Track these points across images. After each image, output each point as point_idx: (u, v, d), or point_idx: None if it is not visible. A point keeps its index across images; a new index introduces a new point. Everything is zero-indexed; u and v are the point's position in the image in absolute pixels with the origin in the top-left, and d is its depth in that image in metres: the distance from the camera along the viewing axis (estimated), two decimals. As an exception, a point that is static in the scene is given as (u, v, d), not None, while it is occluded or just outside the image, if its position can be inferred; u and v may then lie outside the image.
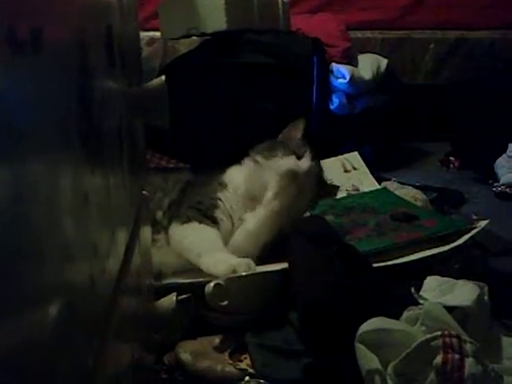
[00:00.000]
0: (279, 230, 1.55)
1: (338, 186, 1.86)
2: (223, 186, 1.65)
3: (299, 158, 1.63)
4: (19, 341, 0.35)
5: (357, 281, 1.29)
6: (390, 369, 1.05)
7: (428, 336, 1.05)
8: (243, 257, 1.48)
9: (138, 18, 1.14)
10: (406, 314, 1.19)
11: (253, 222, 1.56)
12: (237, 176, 1.68)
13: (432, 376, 1.02)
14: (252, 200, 1.61)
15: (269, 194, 1.56)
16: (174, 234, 1.54)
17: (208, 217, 1.56)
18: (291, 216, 1.58)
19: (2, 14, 0.34)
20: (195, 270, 1.45)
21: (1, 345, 0.32)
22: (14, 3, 0.36)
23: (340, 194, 2.12)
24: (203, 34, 2.46)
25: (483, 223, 1.62)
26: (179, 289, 1.26)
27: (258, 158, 1.65)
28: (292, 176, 1.56)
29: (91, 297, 0.54)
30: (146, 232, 1.05)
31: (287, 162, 1.60)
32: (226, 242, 1.54)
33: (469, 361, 1.02)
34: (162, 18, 2.56)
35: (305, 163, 1.62)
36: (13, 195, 0.34)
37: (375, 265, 1.40)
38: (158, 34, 2.70)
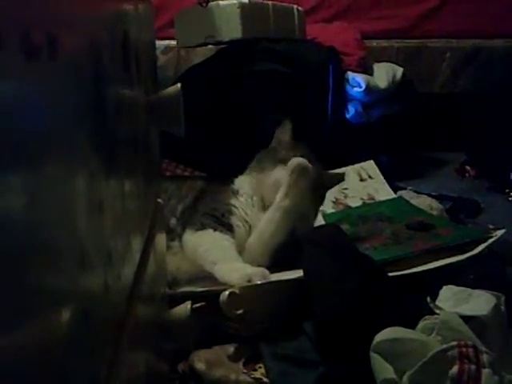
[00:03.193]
0: (292, 231, 1.56)
1: (343, 173, 1.87)
2: (235, 193, 1.67)
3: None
4: (32, 347, 0.35)
5: (372, 290, 1.29)
6: (405, 379, 1.04)
7: (444, 346, 1.05)
8: (258, 260, 1.50)
9: (153, 26, 1.14)
10: (421, 323, 1.18)
11: (265, 223, 1.57)
12: (246, 184, 1.70)
13: (448, 386, 1.02)
14: (266, 206, 1.63)
15: (280, 194, 1.57)
16: (189, 241, 1.55)
17: (223, 223, 1.57)
18: (303, 215, 1.60)
19: (18, 20, 0.34)
20: (210, 278, 1.45)
21: (14, 351, 0.32)
22: (30, 10, 0.36)
23: (355, 203, 2.12)
24: (219, 43, 2.46)
25: (499, 232, 1.61)
26: (194, 297, 1.25)
27: (253, 173, 1.69)
28: (302, 171, 1.57)
29: (105, 304, 0.54)
30: (160, 239, 1.05)
31: (275, 174, 1.63)
32: (241, 248, 1.55)
33: (485, 371, 1.01)
34: (178, 26, 2.57)
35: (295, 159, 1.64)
36: (28, 202, 0.34)
37: (391, 274, 1.40)
38: (173, 42, 2.71)
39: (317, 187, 1.68)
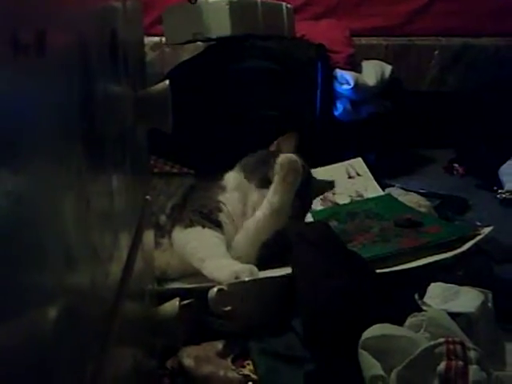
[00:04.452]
0: (280, 227, 1.56)
1: (333, 181, 1.87)
2: (224, 189, 1.66)
3: None
4: (17, 345, 0.35)
5: (360, 287, 1.29)
6: (393, 375, 1.05)
7: (432, 343, 1.05)
8: (244, 257, 1.50)
9: (142, 22, 1.14)
10: (409, 320, 1.18)
11: (253, 221, 1.58)
12: (235, 181, 1.69)
13: (436, 383, 1.02)
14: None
15: (269, 192, 1.57)
16: (177, 238, 1.55)
17: (211, 220, 1.57)
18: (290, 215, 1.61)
19: (6, 17, 0.34)
20: (199, 274, 1.45)
21: (0, 349, 0.32)
22: (18, 6, 0.36)
23: (344, 200, 2.12)
24: (208, 40, 2.46)
25: (487, 230, 1.62)
26: (182, 294, 1.25)
27: (242, 175, 1.68)
28: (291, 166, 1.57)
29: (93, 301, 0.54)
30: (148, 237, 1.05)
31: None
32: (229, 244, 1.55)
33: (473, 368, 1.02)
34: (167, 23, 2.57)
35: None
36: (14, 199, 0.34)
37: (379, 271, 1.40)
38: (162, 39, 2.70)
39: (306, 186, 1.69)
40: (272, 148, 1.77)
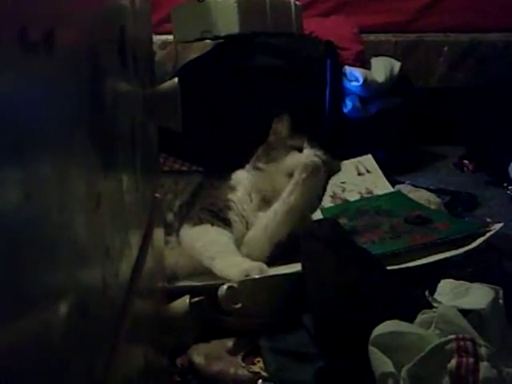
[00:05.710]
0: (293, 227, 1.56)
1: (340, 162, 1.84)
2: (233, 188, 1.66)
3: (300, 150, 1.65)
4: (30, 343, 0.35)
5: (370, 284, 1.29)
6: (403, 372, 1.04)
7: (442, 339, 1.05)
8: (257, 254, 1.50)
9: (151, 20, 1.14)
10: (419, 317, 1.18)
11: (269, 218, 1.57)
12: (244, 179, 1.69)
13: (446, 380, 1.01)
14: (264, 202, 1.62)
15: (286, 190, 1.57)
16: (186, 236, 1.55)
17: (220, 218, 1.57)
18: (306, 212, 1.60)
19: (15, 15, 0.34)
20: (208, 272, 1.45)
21: (12, 346, 0.32)
22: (27, 4, 0.36)
23: (353, 197, 2.12)
24: (216, 38, 2.46)
25: (497, 226, 1.61)
26: (192, 291, 1.26)
27: (260, 164, 1.67)
28: (313, 169, 1.57)
29: (104, 299, 0.54)
30: (158, 235, 1.05)
31: (294, 159, 1.62)
32: (239, 243, 1.54)
33: (483, 365, 1.01)
34: (175, 21, 2.57)
35: (309, 153, 1.64)
36: (25, 197, 0.34)
37: (389, 268, 1.40)
38: (171, 37, 2.70)
39: (323, 183, 1.69)
40: (269, 139, 1.77)
